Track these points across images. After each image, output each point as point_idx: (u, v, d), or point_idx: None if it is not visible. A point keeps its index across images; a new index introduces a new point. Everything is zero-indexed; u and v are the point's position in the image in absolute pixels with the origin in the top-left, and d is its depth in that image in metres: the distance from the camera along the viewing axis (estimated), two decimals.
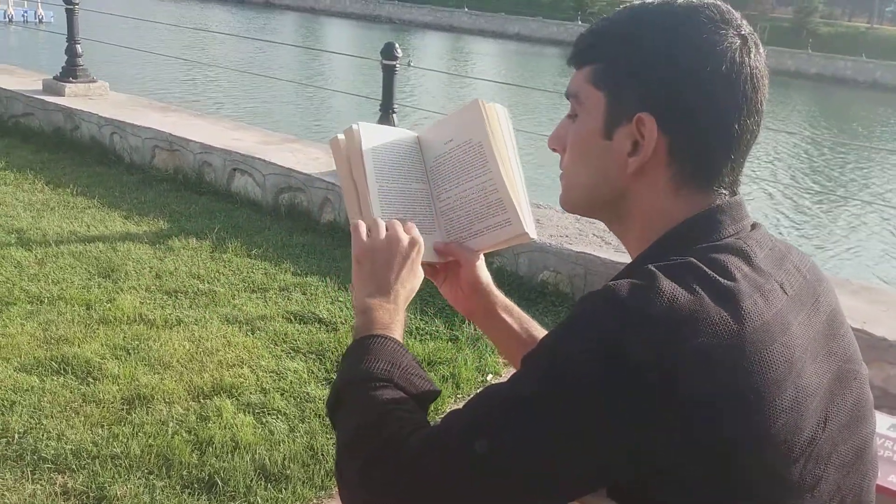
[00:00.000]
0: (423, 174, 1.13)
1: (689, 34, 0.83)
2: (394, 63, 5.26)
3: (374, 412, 0.89)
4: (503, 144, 1.08)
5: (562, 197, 0.95)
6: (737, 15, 0.86)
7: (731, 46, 0.83)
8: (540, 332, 1.16)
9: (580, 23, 51.21)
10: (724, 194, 0.86)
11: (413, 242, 1.03)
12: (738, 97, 0.83)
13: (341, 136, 1.10)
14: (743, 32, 0.85)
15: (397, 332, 0.99)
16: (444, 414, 0.86)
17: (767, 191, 13.23)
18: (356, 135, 1.08)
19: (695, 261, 0.79)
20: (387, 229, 1.03)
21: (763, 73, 0.85)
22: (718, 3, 0.86)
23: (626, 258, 0.93)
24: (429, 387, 0.96)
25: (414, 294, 1.05)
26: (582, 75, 0.89)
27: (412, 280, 1.04)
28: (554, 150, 0.95)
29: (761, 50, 0.86)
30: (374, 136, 1.10)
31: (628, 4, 0.90)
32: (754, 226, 0.88)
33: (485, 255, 1.16)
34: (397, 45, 5.29)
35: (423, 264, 1.09)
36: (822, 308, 0.87)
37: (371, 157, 1.08)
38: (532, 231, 1.07)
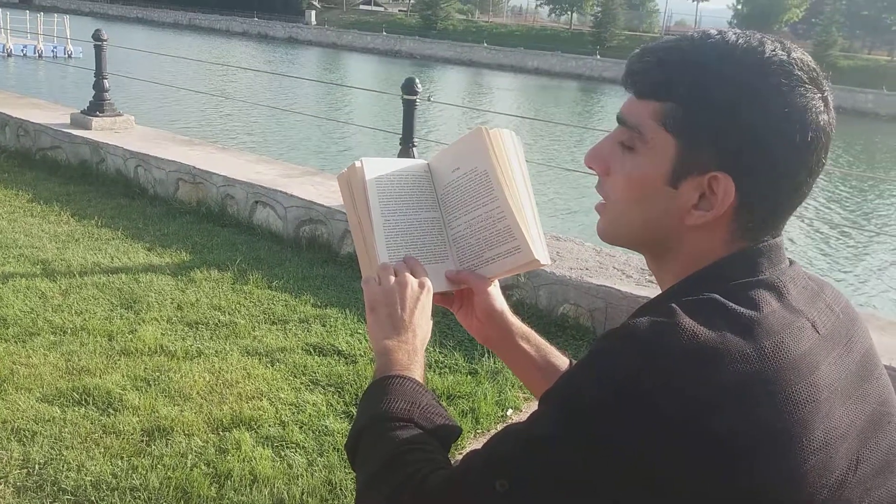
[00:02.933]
0: (434, 202, 1.12)
1: (781, 99, 0.78)
2: (414, 97, 5.31)
3: (393, 452, 0.88)
4: (510, 171, 1.06)
5: (604, 228, 0.91)
6: (820, 71, 0.82)
7: (817, 111, 0.79)
8: (559, 358, 1.15)
9: (599, 57, 51.65)
10: (768, 238, 0.85)
11: (422, 284, 1.04)
12: (814, 162, 0.81)
13: (347, 173, 1.10)
14: (825, 93, 0.81)
15: (417, 373, 0.98)
16: (464, 453, 0.85)
17: (798, 223, 13.14)
18: (359, 171, 1.08)
19: (718, 297, 0.78)
20: (395, 274, 1.04)
21: (833, 130, 0.82)
22: (806, 57, 0.82)
23: (648, 291, 0.91)
24: (450, 425, 0.95)
25: (428, 338, 1.05)
26: (648, 110, 0.83)
27: (425, 322, 1.04)
28: (591, 167, 0.90)
29: (832, 104, 0.83)
30: (378, 169, 1.09)
31: (705, 35, 0.83)
32: (790, 263, 0.86)
33: (502, 286, 1.15)
34: (417, 80, 5.35)
35: (437, 294, 1.09)
36: (856, 349, 0.84)
37: (375, 191, 1.07)
38: (543, 257, 1.05)
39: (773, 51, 0.80)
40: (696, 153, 0.81)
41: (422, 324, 1.03)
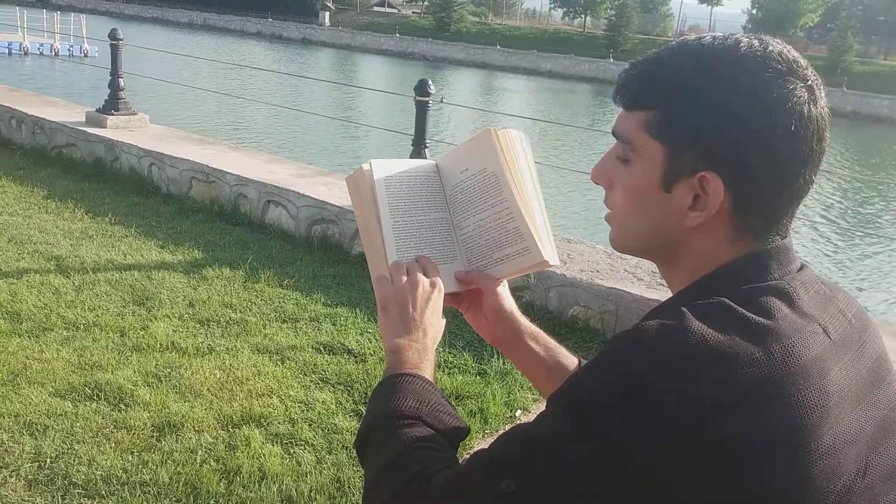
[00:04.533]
0: (443, 202, 1.12)
1: (757, 92, 0.79)
2: (427, 99, 5.33)
3: (400, 449, 0.89)
4: (518, 172, 1.06)
5: (613, 240, 0.93)
6: (803, 62, 0.82)
7: (800, 101, 0.79)
8: (568, 358, 1.15)
9: (612, 60, 51.53)
10: (777, 239, 0.85)
11: (434, 284, 1.05)
12: (805, 153, 0.81)
13: (355, 174, 1.10)
14: (809, 82, 0.81)
15: (427, 372, 0.99)
16: (471, 453, 0.86)
17: (808, 229, 13.06)
18: (367, 174, 1.08)
19: (728, 301, 0.78)
20: (407, 273, 1.04)
21: (827, 119, 0.82)
22: (783, 49, 0.82)
23: (658, 294, 0.91)
24: (458, 424, 0.95)
25: (439, 338, 1.06)
26: (635, 120, 0.85)
27: (436, 322, 1.04)
28: (596, 183, 0.93)
29: (824, 93, 0.83)
30: (386, 170, 1.09)
31: (683, 41, 0.85)
32: (801, 267, 0.86)
33: (512, 287, 1.16)
34: (430, 82, 5.36)
35: (446, 294, 1.09)
36: (867, 354, 0.84)
37: (385, 193, 1.07)
38: (552, 258, 1.05)
39: (749, 46, 0.81)
40: (682, 155, 0.82)
41: (433, 323, 1.03)
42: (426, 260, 1.07)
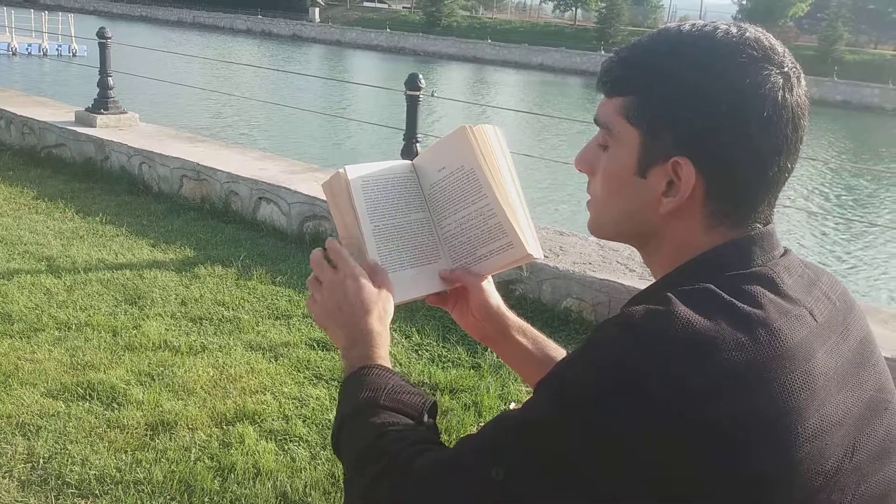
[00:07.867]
0: (422, 202, 1.11)
1: (731, 77, 0.79)
2: (417, 93, 5.32)
3: (367, 440, 0.89)
4: (496, 167, 1.06)
5: (590, 224, 0.94)
6: (780, 49, 0.82)
7: (774, 87, 0.79)
8: (557, 351, 1.15)
9: (603, 53, 51.52)
10: (758, 226, 0.85)
11: (349, 271, 1.01)
12: (779, 140, 0.81)
13: (331, 181, 1.09)
14: (785, 69, 0.81)
15: (380, 357, 0.98)
16: (458, 440, 0.85)
17: (798, 216, 13.10)
18: (343, 179, 1.07)
19: (713, 287, 0.78)
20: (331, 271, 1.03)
21: (805, 108, 0.82)
22: (760, 36, 0.82)
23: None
24: (422, 400, 0.95)
25: (390, 313, 1.02)
26: (613, 106, 0.86)
27: (376, 298, 1.01)
28: (580, 170, 0.94)
29: (803, 82, 0.83)
30: (363, 175, 1.08)
31: (663, 29, 0.86)
32: (785, 252, 0.86)
33: (506, 280, 1.16)
34: (421, 76, 5.35)
35: (432, 294, 1.10)
36: (852, 336, 0.84)
37: (362, 198, 1.06)
38: (536, 251, 1.06)
39: (726, 33, 0.82)
40: (656, 140, 0.83)
41: (370, 300, 1.00)
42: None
